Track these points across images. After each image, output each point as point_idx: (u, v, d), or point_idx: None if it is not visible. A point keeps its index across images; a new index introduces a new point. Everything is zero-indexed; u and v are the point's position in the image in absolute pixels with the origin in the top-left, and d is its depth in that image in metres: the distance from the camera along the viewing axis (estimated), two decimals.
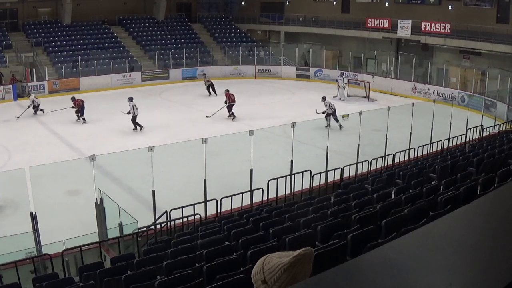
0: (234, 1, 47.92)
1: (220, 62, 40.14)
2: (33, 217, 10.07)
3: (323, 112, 22.15)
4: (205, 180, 12.62)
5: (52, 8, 41.75)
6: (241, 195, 11.96)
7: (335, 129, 20.52)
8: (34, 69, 35.05)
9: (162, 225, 11.18)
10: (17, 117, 26.05)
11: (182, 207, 11.20)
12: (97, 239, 10.36)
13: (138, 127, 23.12)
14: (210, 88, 31.68)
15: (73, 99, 26.01)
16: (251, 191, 12.65)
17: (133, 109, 22.96)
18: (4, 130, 24.38)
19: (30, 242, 9.95)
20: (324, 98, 22.87)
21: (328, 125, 21.47)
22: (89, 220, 11.16)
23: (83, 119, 25.22)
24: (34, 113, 26.98)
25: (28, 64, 36.09)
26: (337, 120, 21.71)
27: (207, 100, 30.48)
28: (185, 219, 11.13)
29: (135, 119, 23.09)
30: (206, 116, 25.75)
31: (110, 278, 7.29)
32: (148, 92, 33.03)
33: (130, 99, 23.37)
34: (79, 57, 36.22)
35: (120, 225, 10.56)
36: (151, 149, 11.49)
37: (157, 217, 11.66)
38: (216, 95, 30.77)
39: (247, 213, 10.56)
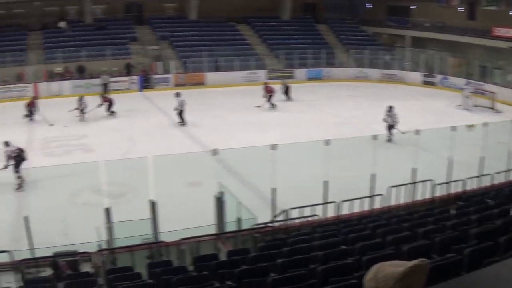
0: (360, 3, 48.35)
1: (345, 64, 40.93)
2: (153, 205, 11.07)
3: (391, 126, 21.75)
4: (325, 182, 13.05)
5: (177, 4, 44.85)
6: (361, 200, 12.30)
7: (459, 139, 19.98)
8: (159, 62, 37.88)
9: (280, 223, 11.76)
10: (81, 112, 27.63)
11: (301, 207, 11.70)
12: (214, 232, 11.17)
13: (182, 121, 25.43)
14: (286, 92, 32.46)
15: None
16: (371, 196, 12.94)
17: (181, 104, 25.36)
18: (130, 120, 26.91)
19: (147, 229, 10.95)
20: (390, 108, 22.27)
21: (390, 139, 21.44)
22: (208, 212, 12.00)
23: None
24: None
25: (153, 57, 38.97)
26: (392, 133, 21.40)
27: (329, 101, 31.40)
28: (303, 219, 11.65)
29: (181, 113, 25.44)
30: (256, 106, 28.74)
31: (224, 271, 7.87)
32: None
33: (177, 94, 25.95)
34: (205, 53, 38.55)
35: (239, 220, 11.28)
36: (273, 147, 12.12)
37: (275, 215, 12.28)
38: (289, 99, 32.06)
39: (366, 219, 10.86)
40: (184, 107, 25.65)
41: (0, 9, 41.43)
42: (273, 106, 29.24)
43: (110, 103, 27.82)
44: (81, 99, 26.62)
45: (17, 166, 17.43)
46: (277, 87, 30.91)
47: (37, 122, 26.31)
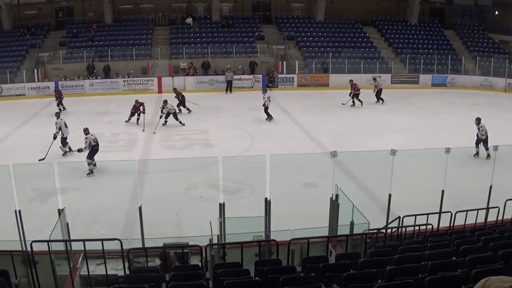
0: (488, 10, 46.89)
1: (471, 72, 39.60)
2: (267, 203, 11.24)
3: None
4: (442, 191, 12.72)
5: (305, 4, 45.51)
6: (476, 211, 11.89)
7: None
8: (284, 62, 38.37)
9: (393, 230, 11.61)
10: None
11: (415, 215, 11.51)
12: (326, 234, 11.19)
13: (269, 118, 26.70)
14: (378, 94, 31.97)
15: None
16: (487, 208, 12.47)
17: (268, 100, 26.58)
18: (251, 117, 27.54)
19: (259, 227, 11.14)
20: (478, 120, 20.63)
21: (477, 153, 20.16)
22: (321, 214, 12.01)
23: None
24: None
25: (279, 56, 39.57)
26: (487, 148, 19.85)
27: (450, 109, 30.62)
28: (416, 228, 11.44)
29: (267, 109, 26.67)
30: (342, 103, 30.20)
31: (332, 274, 7.83)
32: (396, 95, 34.15)
33: (265, 91, 27.48)
34: (330, 54, 38.89)
35: (352, 224, 11.20)
36: (393, 152, 11.93)
37: (389, 221, 12.15)
38: (380, 101, 31.76)
39: (480, 231, 10.46)
40: (268, 104, 26.65)
41: (129, 3, 43.72)
42: (357, 102, 30.62)
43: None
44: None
45: (91, 154, 18.81)
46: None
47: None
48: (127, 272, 9.52)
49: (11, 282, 8.46)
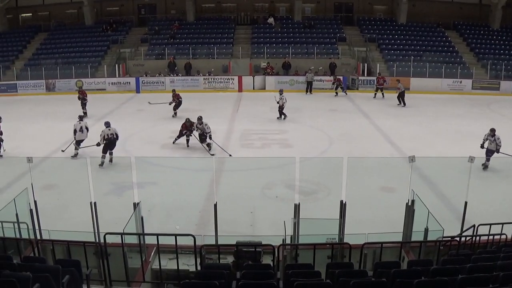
0: None
1: None
2: (343, 205, 11.21)
3: None
4: None
5: (387, 6, 45.08)
6: None
7: None
8: (365, 64, 38.10)
9: (467, 238, 11.35)
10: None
11: (490, 224, 11.21)
12: (399, 239, 11.07)
13: (282, 116, 27.26)
14: (400, 96, 31.56)
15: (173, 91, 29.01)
16: None
17: (284, 100, 27.03)
18: (331, 119, 27.61)
19: (333, 229, 11.12)
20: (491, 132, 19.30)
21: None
22: (396, 219, 11.87)
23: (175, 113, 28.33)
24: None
25: (360, 58, 39.29)
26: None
27: None
28: (490, 237, 11.13)
29: (282, 109, 27.19)
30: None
31: (403, 280, 7.73)
32: (476, 101, 33.52)
33: (281, 92, 27.61)
34: (412, 57, 38.41)
35: (426, 230, 11.04)
36: (471, 159, 11.66)
37: (463, 229, 11.88)
38: (401, 103, 31.45)
39: None
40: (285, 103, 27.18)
41: (211, 2, 44.38)
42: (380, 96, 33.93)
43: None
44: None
45: (105, 148, 19.50)
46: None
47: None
48: (199, 268, 9.70)
49: (82, 272, 8.76)
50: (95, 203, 11.42)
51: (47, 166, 18.89)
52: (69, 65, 38.84)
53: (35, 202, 12.20)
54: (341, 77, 35.89)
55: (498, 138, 19.25)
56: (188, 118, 21.82)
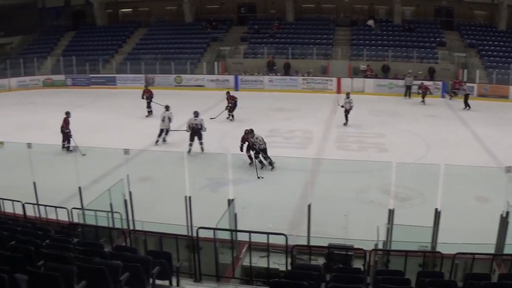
0: None
1: None
2: (437, 214, 11.14)
3: None
4: None
5: (487, 12, 43.45)
6: None
7: None
8: (465, 70, 37.14)
9: None
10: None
11: None
12: (492, 251, 10.89)
13: (346, 121, 26.59)
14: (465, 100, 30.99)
15: (227, 93, 28.35)
16: None
17: (351, 103, 26.43)
18: (428, 124, 27.25)
19: (426, 237, 11.05)
20: None
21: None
22: (488, 230, 11.68)
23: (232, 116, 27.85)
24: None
25: (459, 64, 38.30)
26: None
27: None
28: None
29: (348, 113, 26.49)
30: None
31: None
32: None
33: (348, 95, 26.92)
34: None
35: None
36: None
37: None
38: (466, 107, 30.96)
39: None
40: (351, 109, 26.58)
41: (311, 2, 44.61)
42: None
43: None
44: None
45: (191, 136, 20.68)
46: None
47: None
48: (289, 267, 9.89)
49: (172, 264, 9.10)
50: (190, 197, 11.84)
51: (144, 159, 19.65)
52: (168, 61, 40.01)
53: (130, 193, 12.74)
54: (431, 83, 35.22)
55: None
56: (248, 129, 20.12)
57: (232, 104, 27.80)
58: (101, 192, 12.80)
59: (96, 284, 7.05)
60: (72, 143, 21.52)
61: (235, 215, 11.52)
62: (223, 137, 23.28)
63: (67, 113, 22.43)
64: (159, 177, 18.44)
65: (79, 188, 13.68)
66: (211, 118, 26.85)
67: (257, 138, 19.27)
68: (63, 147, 21.72)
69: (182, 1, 44.75)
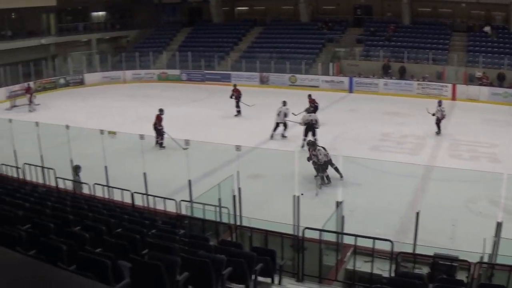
0: None
1: None
2: None
3: None
4: None
5: None
6: None
7: None
8: None
9: None
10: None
11: None
12: None
13: (439, 130, 25.34)
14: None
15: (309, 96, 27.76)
16: None
17: (443, 111, 25.26)
18: None
19: None
20: None
21: None
22: None
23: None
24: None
25: None
26: None
27: None
28: None
29: (440, 122, 25.21)
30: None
31: None
32: None
33: (440, 103, 25.39)
34: None
35: None
36: None
37: None
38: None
39: None
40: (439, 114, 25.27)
41: (427, 6, 43.40)
42: None
43: None
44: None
45: (305, 132, 21.26)
46: None
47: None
48: (392, 274, 9.75)
49: (276, 262, 9.12)
50: (298, 196, 11.89)
51: (255, 156, 19.89)
52: (283, 60, 40.25)
53: (239, 189, 12.95)
54: None
55: None
56: (310, 141, 19.61)
57: (313, 108, 27.29)
58: (210, 186, 13.10)
59: (199, 277, 7.18)
60: (165, 139, 22.55)
61: (342, 217, 11.47)
62: (336, 138, 23.22)
63: (160, 110, 23.14)
64: (269, 175, 18.65)
65: (189, 181, 14.05)
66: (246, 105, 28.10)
67: (318, 150, 17.95)
68: (156, 143, 22.56)
69: (298, 1, 44.92)
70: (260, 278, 8.54)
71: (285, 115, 23.30)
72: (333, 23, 44.65)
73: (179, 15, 52.31)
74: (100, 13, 52.81)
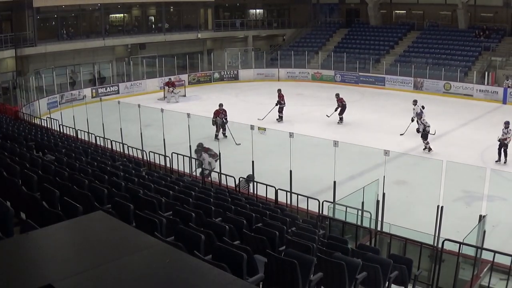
0: None
1: None
2: None
3: None
4: None
5: None
6: None
7: None
8: None
9: None
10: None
11: None
12: None
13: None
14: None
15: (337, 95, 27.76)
16: None
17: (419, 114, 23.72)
18: None
19: None
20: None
21: None
22: None
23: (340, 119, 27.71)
24: None
25: None
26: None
27: None
28: None
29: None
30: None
31: None
32: None
33: (507, 124, 21.06)
34: None
35: None
36: None
37: None
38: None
39: None
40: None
41: None
42: None
43: None
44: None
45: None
46: None
47: None
48: None
49: (411, 271, 8.91)
50: (442, 207, 11.52)
51: (402, 162, 19.48)
52: (438, 67, 39.09)
53: (383, 194, 12.76)
54: None
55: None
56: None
57: (341, 107, 27.36)
58: (354, 189, 13.01)
59: (332, 278, 7.16)
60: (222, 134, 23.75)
61: (484, 232, 11.02)
62: (485, 150, 22.19)
63: (220, 105, 24.78)
64: (414, 182, 18.24)
65: (334, 183, 14.04)
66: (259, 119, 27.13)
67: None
68: (216, 137, 23.54)
69: (456, 7, 43.37)
70: (393, 286, 8.37)
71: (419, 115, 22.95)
72: (491, 31, 42.63)
73: (336, 16, 52.27)
74: (258, 10, 53.97)
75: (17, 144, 13.65)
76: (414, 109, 24.04)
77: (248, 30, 49.88)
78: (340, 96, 27.85)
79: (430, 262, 10.35)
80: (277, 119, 28.12)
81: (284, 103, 28.35)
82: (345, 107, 27.60)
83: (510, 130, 20.98)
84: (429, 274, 10.16)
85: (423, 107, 23.96)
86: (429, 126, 22.05)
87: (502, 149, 20.80)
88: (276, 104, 28.33)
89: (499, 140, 20.99)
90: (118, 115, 20.63)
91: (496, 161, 20.83)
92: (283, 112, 28.40)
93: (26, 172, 8.94)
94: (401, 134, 24.33)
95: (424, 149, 22.08)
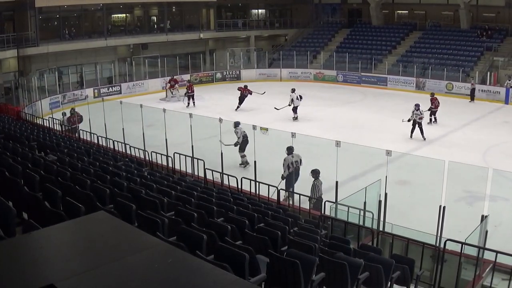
0: None
1: None
2: None
3: None
4: None
5: None
6: None
7: None
8: None
9: None
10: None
11: None
12: None
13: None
14: None
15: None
16: None
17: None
18: None
19: None
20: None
21: None
22: None
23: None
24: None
25: None
26: None
27: None
28: None
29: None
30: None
31: None
32: None
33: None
34: None
35: None
36: None
37: None
38: None
39: None
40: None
41: None
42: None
43: None
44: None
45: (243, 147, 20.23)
46: None
47: None
48: None
49: (413, 271, 8.88)
50: (444, 207, 11.50)
51: (404, 162, 19.45)
52: (440, 67, 39.09)
53: (385, 194, 12.73)
54: None
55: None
56: None
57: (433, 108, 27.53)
58: (357, 189, 12.99)
59: (334, 278, 7.15)
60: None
61: (486, 232, 11.02)
62: (487, 150, 22.19)
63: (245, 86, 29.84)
64: (416, 182, 18.23)
65: (336, 183, 14.02)
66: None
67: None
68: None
69: (458, 7, 43.33)
70: (395, 286, 8.36)
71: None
72: (493, 31, 42.57)
73: (339, 16, 52.28)
74: (260, 10, 53.99)
75: (19, 144, 13.69)
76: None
77: (250, 30, 49.98)
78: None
79: (432, 262, 10.33)
80: (293, 118, 28.67)
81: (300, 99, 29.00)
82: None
83: (421, 110, 24.38)
84: (431, 274, 10.14)
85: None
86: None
87: (418, 127, 24.23)
88: (289, 105, 28.83)
89: (412, 120, 24.36)
90: (120, 115, 20.67)
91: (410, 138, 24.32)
92: (297, 111, 28.82)
93: (28, 172, 8.96)
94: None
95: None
